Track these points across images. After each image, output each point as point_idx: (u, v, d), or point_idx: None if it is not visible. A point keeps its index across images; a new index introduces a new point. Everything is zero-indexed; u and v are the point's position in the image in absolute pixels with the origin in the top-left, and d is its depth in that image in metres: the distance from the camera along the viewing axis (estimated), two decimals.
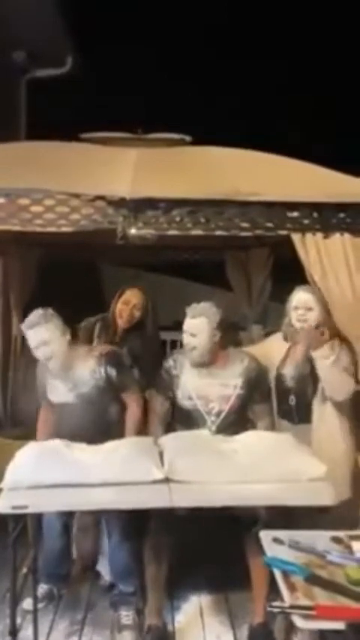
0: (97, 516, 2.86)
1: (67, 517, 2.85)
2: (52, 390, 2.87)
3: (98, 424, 2.79)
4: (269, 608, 1.70)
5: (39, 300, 4.16)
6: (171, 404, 2.88)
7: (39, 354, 2.73)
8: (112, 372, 2.81)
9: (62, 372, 2.79)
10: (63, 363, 2.76)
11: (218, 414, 2.77)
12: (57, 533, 2.84)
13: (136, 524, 2.67)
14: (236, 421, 2.80)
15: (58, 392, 2.85)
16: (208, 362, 2.80)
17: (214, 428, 2.76)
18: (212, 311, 2.79)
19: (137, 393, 2.90)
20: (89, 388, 2.80)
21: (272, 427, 2.85)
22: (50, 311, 2.75)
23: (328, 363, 2.67)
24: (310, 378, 2.80)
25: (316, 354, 2.69)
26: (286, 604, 1.67)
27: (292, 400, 2.85)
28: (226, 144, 3.26)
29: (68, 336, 2.77)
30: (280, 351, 2.93)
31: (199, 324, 2.76)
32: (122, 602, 2.75)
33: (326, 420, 2.76)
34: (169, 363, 2.90)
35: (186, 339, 2.78)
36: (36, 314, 2.73)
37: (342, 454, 2.72)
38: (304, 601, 1.67)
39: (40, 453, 2.46)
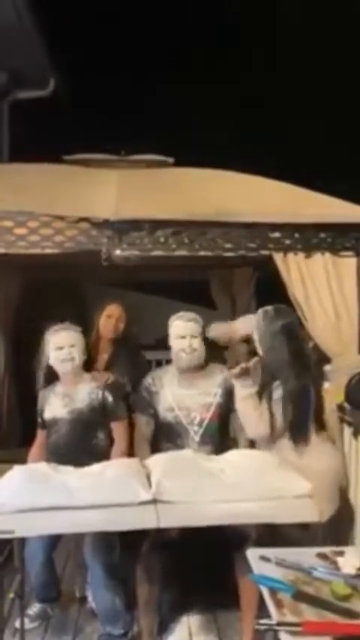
0: (80, 545, 2.78)
1: (50, 549, 2.80)
2: (47, 408, 2.91)
3: (85, 445, 2.81)
4: (257, 626, 1.70)
5: (22, 321, 4.18)
6: (154, 422, 2.91)
7: (62, 353, 2.86)
8: (109, 397, 2.89)
9: (69, 385, 2.89)
10: (76, 372, 2.89)
11: (200, 424, 2.82)
12: (40, 566, 2.79)
13: (121, 560, 2.65)
14: (218, 431, 2.85)
15: (53, 408, 2.89)
16: (198, 367, 2.88)
17: (197, 438, 2.80)
18: (197, 316, 2.93)
19: (126, 424, 2.93)
20: (83, 406, 2.85)
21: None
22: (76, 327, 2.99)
23: (241, 394, 2.68)
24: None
25: (237, 384, 2.71)
26: (274, 621, 1.68)
27: None
28: (208, 165, 3.31)
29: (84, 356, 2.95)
30: None
31: (195, 327, 2.88)
32: None
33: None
34: (148, 381, 2.96)
35: (187, 341, 2.84)
36: (64, 324, 2.94)
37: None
38: (291, 617, 1.68)
39: (26, 476, 2.44)
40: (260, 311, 2.80)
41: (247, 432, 2.76)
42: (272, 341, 2.70)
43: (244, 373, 2.69)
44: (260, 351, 2.75)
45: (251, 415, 2.68)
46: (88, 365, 3.03)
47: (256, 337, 2.76)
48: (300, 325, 2.82)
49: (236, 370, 2.70)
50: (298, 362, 2.66)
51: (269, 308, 2.78)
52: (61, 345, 2.87)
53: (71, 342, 2.88)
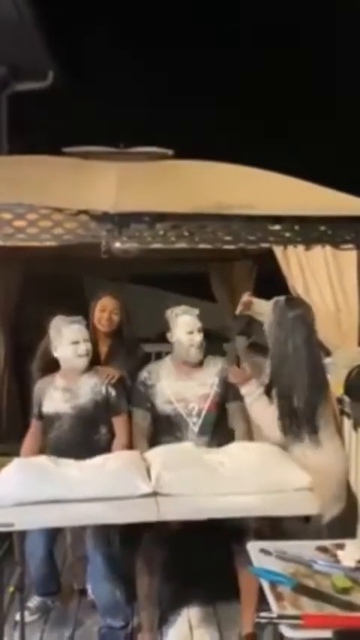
0: (80, 538, 2.78)
1: (50, 542, 2.79)
2: (47, 401, 2.88)
3: (87, 440, 2.80)
4: (257, 619, 1.70)
5: (21, 314, 4.18)
6: (152, 416, 2.91)
7: (79, 348, 2.84)
8: (112, 392, 2.89)
9: (71, 379, 2.87)
10: (84, 366, 2.87)
11: (199, 414, 2.84)
12: (40, 559, 2.78)
13: (121, 553, 2.65)
14: (217, 421, 2.86)
15: (54, 402, 2.86)
16: (198, 362, 2.92)
17: (196, 429, 2.82)
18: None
19: (127, 418, 2.92)
20: (86, 401, 2.84)
21: (248, 424, 2.89)
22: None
23: (249, 400, 2.66)
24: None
25: (243, 391, 2.69)
26: (274, 614, 1.67)
27: None
28: (208, 157, 3.30)
29: None
30: None
31: (198, 321, 2.94)
32: (111, 636, 2.65)
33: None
34: (144, 374, 2.97)
35: (196, 337, 2.89)
36: (76, 317, 2.92)
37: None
38: (291, 610, 1.68)
39: (26, 469, 2.44)
40: (272, 300, 2.69)
41: (267, 436, 2.67)
42: (279, 332, 2.57)
43: (245, 377, 2.69)
44: (269, 343, 2.67)
45: (264, 418, 2.63)
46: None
47: (265, 327, 2.69)
48: (312, 319, 2.64)
49: (237, 373, 2.71)
50: (302, 357, 2.54)
51: (281, 298, 2.66)
52: (76, 339, 2.84)
53: (85, 336, 2.87)
